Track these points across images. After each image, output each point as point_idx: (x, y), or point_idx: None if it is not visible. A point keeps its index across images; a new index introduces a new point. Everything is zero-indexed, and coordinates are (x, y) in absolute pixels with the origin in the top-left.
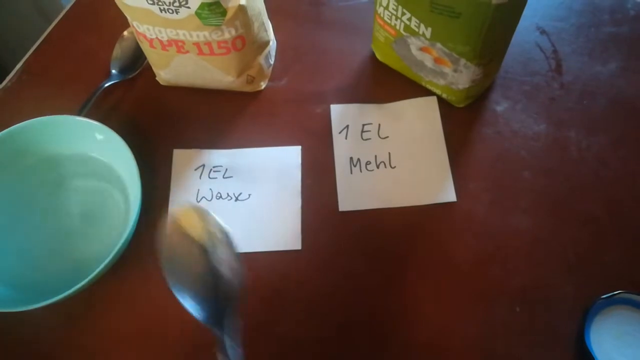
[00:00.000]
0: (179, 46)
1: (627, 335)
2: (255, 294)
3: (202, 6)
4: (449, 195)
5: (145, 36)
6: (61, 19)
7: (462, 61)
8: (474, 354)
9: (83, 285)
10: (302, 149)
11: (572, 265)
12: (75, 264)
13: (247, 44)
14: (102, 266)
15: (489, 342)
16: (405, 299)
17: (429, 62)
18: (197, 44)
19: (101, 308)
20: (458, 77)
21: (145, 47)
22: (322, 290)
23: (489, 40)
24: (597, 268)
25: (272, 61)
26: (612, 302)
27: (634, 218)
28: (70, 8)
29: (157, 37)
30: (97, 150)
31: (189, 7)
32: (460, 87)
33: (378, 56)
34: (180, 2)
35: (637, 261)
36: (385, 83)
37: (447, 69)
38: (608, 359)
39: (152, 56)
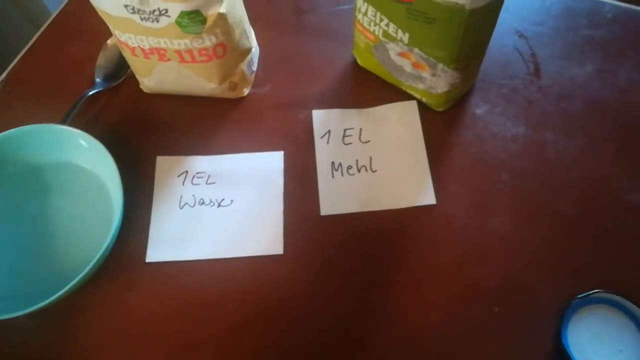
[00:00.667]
0: (160, 54)
1: (603, 334)
2: (237, 298)
3: (182, 15)
4: (429, 198)
5: (127, 45)
6: (45, 28)
7: (440, 66)
8: (453, 354)
9: (65, 293)
10: (284, 154)
11: (550, 265)
12: (57, 271)
13: (228, 51)
14: (83, 273)
15: (467, 342)
16: (386, 301)
17: (407, 67)
18: (178, 52)
19: (84, 316)
20: (436, 81)
21: (127, 56)
22: (304, 293)
23: (465, 45)
24: (574, 268)
25: (254, 68)
26: (589, 301)
27: (610, 218)
28: (55, 18)
29: (139, 46)
30: (79, 158)
31: (169, 16)
32: (439, 91)
33: (359, 62)
34: (160, 11)
35: (613, 261)
36: (366, 88)
37: (426, 74)
38: (585, 357)
39: (135, 64)
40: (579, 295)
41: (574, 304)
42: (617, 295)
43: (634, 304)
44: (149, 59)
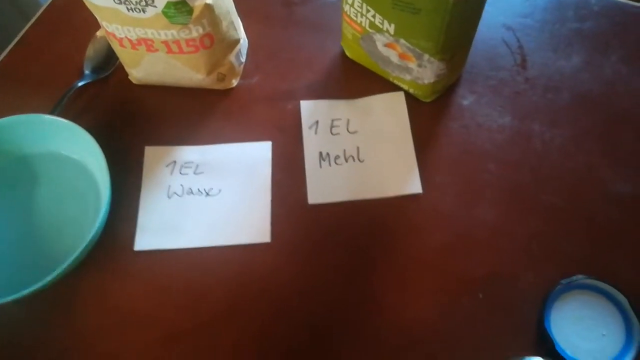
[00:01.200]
0: (148, 45)
1: (586, 319)
2: (225, 286)
3: (169, 5)
4: (415, 187)
5: (114, 35)
6: (35, 20)
7: (426, 56)
8: (439, 340)
9: (52, 280)
10: (272, 145)
11: (534, 253)
12: (46, 260)
13: (215, 42)
14: (70, 260)
15: (453, 328)
16: (372, 290)
17: (394, 57)
18: (165, 43)
19: (73, 303)
20: (423, 72)
21: (115, 46)
22: (291, 281)
23: (450, 36)
24: (558, 256)
25: (243, 59)
26: (572, 287)
27: (594, 207)
28: (45, 10)
29: (126, 37)
30: (67, 148)
31: (155, 6)
32: (426, 82)
33: (347, 53)
34: (146, 1)
35: (598, 250)
36: (354, 79)
37: (412, 65)
38: (567, 342)
39: (123, 55)
40: (562, 281)
41: (557, 290)
42: (600, 280)
43: (617, 289)
44: (137, 49)
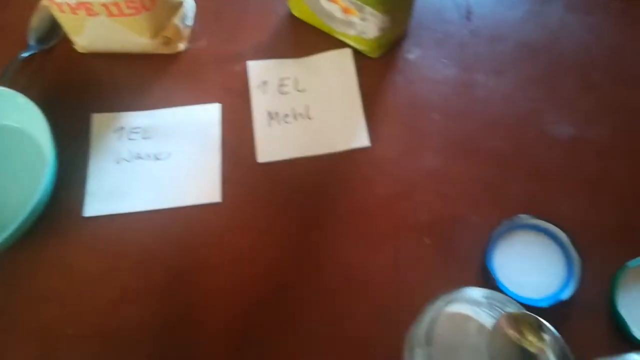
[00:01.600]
0: (87, 8)
1: (529, 257)
2: (178, 247)
3: None
4: (363, 141)
5: (53, 1)
6: None
7: (368, 9)
8: (388, 285)
9: None
10: (221, 107)
11: (479, 197)
12: None
13: (157, 3)
14: (13, 227)
15: (400, 272)
16: (323, 243)
17: (338, 12)
18: (105, 5)
19: (22, 271)
20: (366, 26)
21: (56, 13)
22: (243, 238)
23: None
24: (502, 198)
25: (189, 22)
26: (515, 227)
27: (536, 150)
28: None
29: (65, 2)
30: (10, 117)
31: None
32: (370, 36)
33: (294, 12)
34: None
35: (539, 190)
36: (302, 38)
37: (355, 18)
38: (510, 279)
39: (64, 22)
40: (505, 221)
41: (500, 229)
42: (541, 219)
43: (559, 228)
44: (77, 14)
